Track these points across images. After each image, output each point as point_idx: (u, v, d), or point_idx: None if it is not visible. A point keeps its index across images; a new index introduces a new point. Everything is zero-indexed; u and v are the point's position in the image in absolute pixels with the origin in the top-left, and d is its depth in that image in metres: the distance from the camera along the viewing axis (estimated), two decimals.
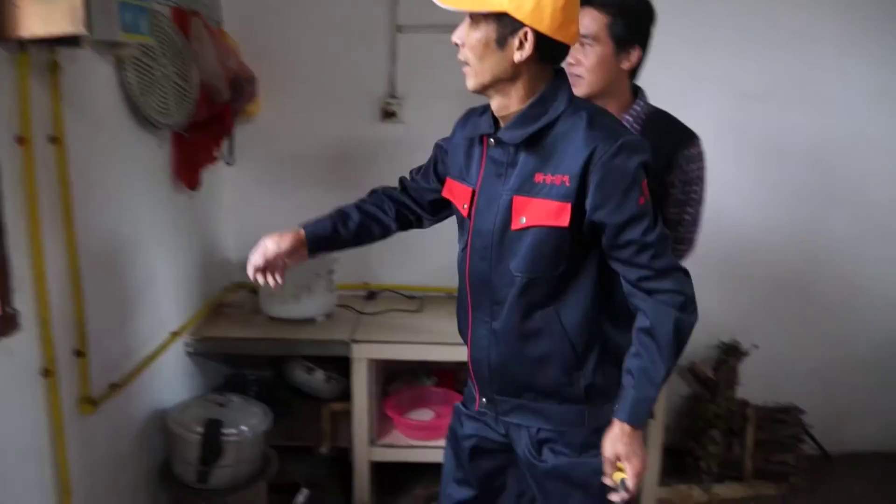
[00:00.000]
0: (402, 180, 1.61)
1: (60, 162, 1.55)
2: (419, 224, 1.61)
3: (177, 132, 2.18)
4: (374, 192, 1.60)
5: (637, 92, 1.68)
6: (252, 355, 2.56)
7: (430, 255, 2.71)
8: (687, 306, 1.26)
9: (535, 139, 1.26)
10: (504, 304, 1.34)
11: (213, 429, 1.92)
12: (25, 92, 1.41)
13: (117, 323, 1.88)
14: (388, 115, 2.74)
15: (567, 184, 1.23)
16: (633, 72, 1.64)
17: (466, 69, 1.26)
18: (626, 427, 1.26)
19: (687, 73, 2.66)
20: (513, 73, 1.23)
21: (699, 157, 1.67)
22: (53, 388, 1.54)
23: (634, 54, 1.60)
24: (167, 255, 2.19)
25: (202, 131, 2.27)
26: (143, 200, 2.01)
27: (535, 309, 1.33)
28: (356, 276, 2.84)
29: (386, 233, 1.57)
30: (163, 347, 2.11)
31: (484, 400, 1.44)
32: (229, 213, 2.77)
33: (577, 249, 1.28)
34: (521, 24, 1.18)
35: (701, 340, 2.75)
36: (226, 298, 2.63)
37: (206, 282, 2.53)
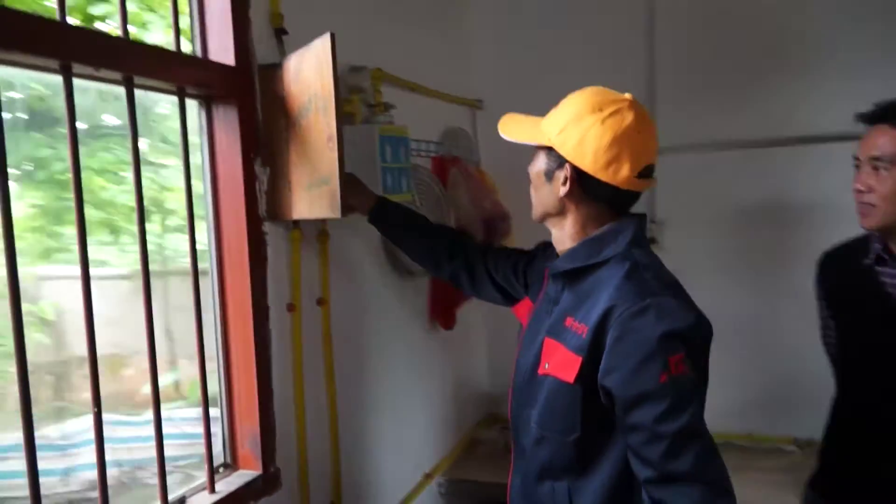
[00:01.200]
0: (486, 242, 1.63)
1: (325, 322, 1.65)
2: (467, 282, 1.57)
3: (434, 277, 2.26)
4: (462, 232, 1.65)
5: None
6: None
7: None
8: None
9: (577, 278, 1.20)
10: (524, 456, 1.26)
11: None
12: (297, 263, 1.54)
13: (372, 471, 1.91)
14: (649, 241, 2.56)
15: (584, 336, 1.12)
16: None
17: None
18: None
19: None
20: (560, 208, 1.23)
21: None
22: None
23: None
24: (422, 396, 2.22)
25: None
26: (399, 348, 2.07)
27: (546, 477, 1.21)
28: None
29: (436, 263, 1.58)
30: (416, 491, 2.11)
31: None
32: (483, 347, 2.78)
33: (595, 419, 1.13)
34: (565, 160, 1.18)
35: None
36: (479, 434, 2.59)
37: (459, 417, 2.52)
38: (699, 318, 1.12)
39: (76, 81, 1.08)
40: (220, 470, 1.46)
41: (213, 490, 1.37)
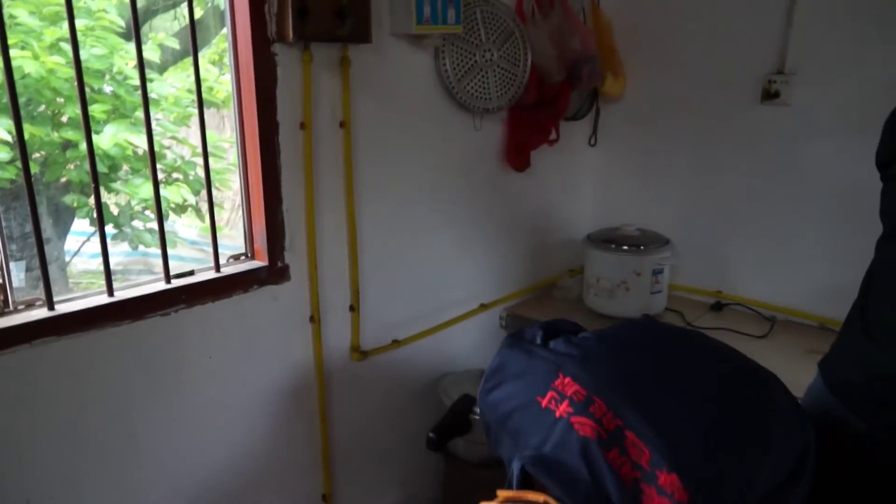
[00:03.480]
0: None
1: (346, 143, 1.79)
2: None
3: (513, 112, 2.25)
4: None
5: None
6: None
7: (799, 267, 2.22)
8: None
9: None
10: None
11: (462, 403, 1.98)
12: (308, 84, 1.67)
13: (413, 291, 2.09)
14: (770, 95, 2.24)
15: None
16: None
17: None
18: None
19: None
20: None
21: None
22: (318, 334, 1.84)
23: None
24: (485, 234, 2.30)
25: (535, 112, 2.27)
26: (459, 182, 2.15)
27: None
28: (705, 279, 2.48)
29: None
30: (464, 316, 2.26)
31: None
32: (588, 194, 2.72)
33: None
34: None
35: None
36: (559, 280, 2.62)
37: (538, 263, 2.56)
38: None
39: None
40: (241, 258, 1.74)
41: (217, 270, 1.65)
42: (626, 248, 2.27)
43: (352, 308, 1.91)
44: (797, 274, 2.25)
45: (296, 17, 1.55)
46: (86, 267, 5.51)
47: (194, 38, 1.53)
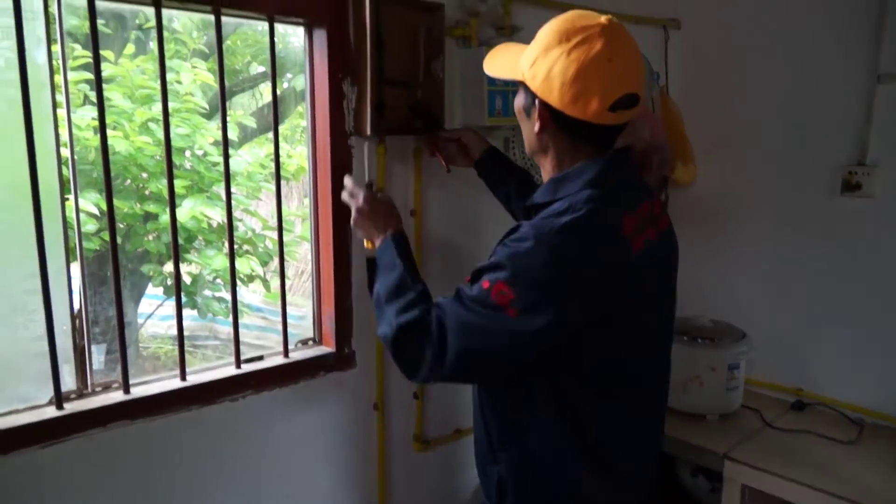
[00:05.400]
0: None
1: (416, 231, 1.81)
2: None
3: None
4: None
5: None
6: None
7: (890, 367, 2.10)
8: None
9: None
10: None
11: None
12: (381, 173, 1.71)
13: None
14: (851, 186, 2.17)
15: None
16: None
17: None
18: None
19: None
20: (540, 145, 1.21)
21: None
22: (381, 422, 1.81)
23: None
24: None
25: None
26: None
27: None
28: (784, 376, 2.36)
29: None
30: None
31: None
32: None
33: None
34: (535, 95, 1.15)
35: None
36: None
37: None
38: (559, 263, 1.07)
39: None
40: (309, 343, 1.75)
41: (286, 355, 1.66)
42: (699, 340, 2.19)
43: (416, 396, 1.88)
44: (888, 374, 2.12)
45: (374, 113, 1.60)
46: (155, 331, 5.69)
47: (276, 123, 1.60)
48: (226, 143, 1.53)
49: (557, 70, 1.10)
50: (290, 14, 1.54)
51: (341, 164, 1.64)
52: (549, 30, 1.14)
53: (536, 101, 1.16)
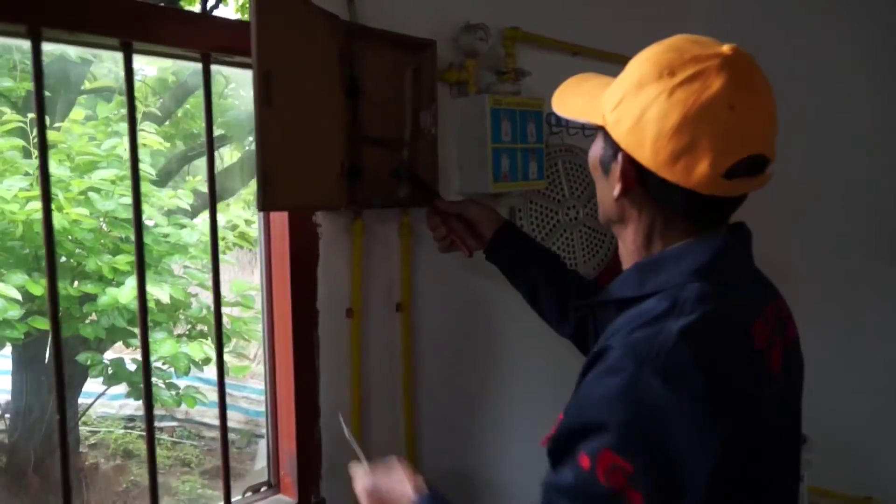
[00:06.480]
0: None
1: (405, 331, 1.39)
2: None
3: (604, 278, 1.85)
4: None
5: None
6: None
7: None
8: None
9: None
10: None
11: None
12: (357, 260, 1.29)
13: None
14: None
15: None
16: None
17: None
18: None
19: None
20: (618, 213, 0.84)
21: None
22: None
23: None
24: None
25: None
26: (546, 371, 1.72)
27: None
28: (851, 482, 1.97)
29: (562, 295, 1.16)
30: None
31: None
32: None
33: None
34: (619, 147, 0.79)
35: None
36: None
37: None
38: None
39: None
40: (262, 490, 1.30)
41: None
42: None
43: None
44: None
45: (346, 181, 1.20)
46: (105, 411, 5.13)
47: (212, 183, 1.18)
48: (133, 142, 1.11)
49: (653, 115, 0.74)
50: (231, 51, 1.15)
51: (304, 251, 1.23)
52: (645, 58, 0.78)
53: (619, 156, 0.79)
